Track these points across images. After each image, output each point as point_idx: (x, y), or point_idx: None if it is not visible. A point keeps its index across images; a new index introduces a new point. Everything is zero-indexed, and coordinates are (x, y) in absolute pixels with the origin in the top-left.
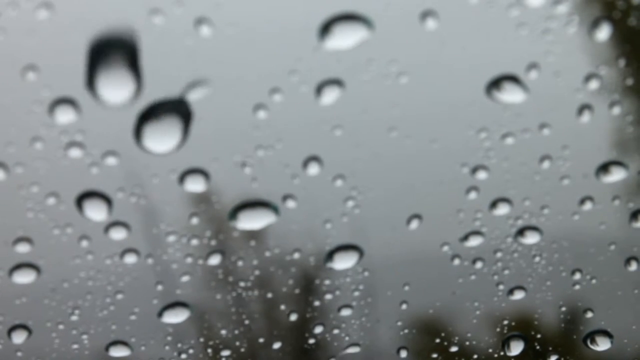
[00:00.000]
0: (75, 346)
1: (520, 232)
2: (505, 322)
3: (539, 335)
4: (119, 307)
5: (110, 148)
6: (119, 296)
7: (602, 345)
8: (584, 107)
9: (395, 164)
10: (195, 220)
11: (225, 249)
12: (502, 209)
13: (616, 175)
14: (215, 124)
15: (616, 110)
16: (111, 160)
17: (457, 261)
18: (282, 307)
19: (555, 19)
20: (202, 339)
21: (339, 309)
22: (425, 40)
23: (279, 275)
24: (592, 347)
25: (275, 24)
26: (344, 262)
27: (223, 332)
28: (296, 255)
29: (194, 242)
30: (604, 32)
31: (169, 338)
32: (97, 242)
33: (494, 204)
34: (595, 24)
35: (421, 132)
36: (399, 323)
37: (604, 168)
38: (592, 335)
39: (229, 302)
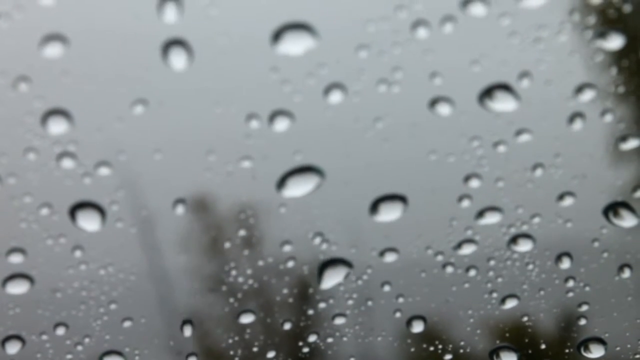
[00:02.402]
0: (69, 356)
1: (513, 240)
2: (499, 330)
3: (532, 343)
4: (112, 317)
5: (102, 158)
6: (113, 306)
7: (596, 352)
8: (575, 115)
9: (388, 173)
10: (189, 230)
11: (219, 258)
12: (495, 217)
13: (609, 182)
14: (208, 133)
15: (608, 117)
16: (104, 171)
17: (450, 269)
18: (276, 315)
19: (546, 28)
20: (196, 348)
21: (333, 318)
22: (417, 49)
23: (272, 284)
24: (585, 354)
25: (265, 34)
26: (333, 277)
27: (217, 341)
28: (290, 264)
29: (188, 250)
30: (595, 40)
31: (163, 347)
32: (90, 252)
33: (486, 212)
34: (586, 32)
35: (414, 141)
36: (393, 331)
37: (597, 176)
38: (585, 343)
39: (223, 311)
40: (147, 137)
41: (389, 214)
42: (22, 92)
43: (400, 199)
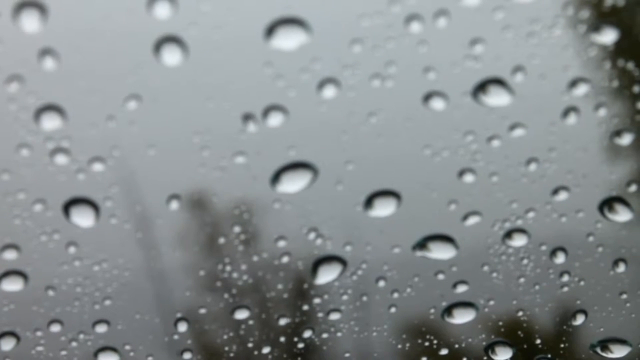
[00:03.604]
0: (63, 353)
1: (508, 234)
2: (494, 325)
3: (527, 338)
4: (106, 314)
5: (96, 154)
6: (107, 302)
7: None
8: (569, 109)
9: (382, 168)
10: (183, 226)
11: (213, 254)
12: (489, 212)
13: (604, 177)
14: (201, 129)
15: (602, 112)
16: (98, 167)
17: (444, 264)
18: (271, 311)
19: (540, 22)
20: (190, 344)
21: (328, 313)
22: (411, 44)
23: (267, 280)
24: None
25: (258, 29)
26: (328, 273)
27: (212, 336)
28: (284, 260)
29: (182, 246)
30: (589, 34)
31: (158, 343)
32: (84, 249)
33: (480, 207)
34: (580, 26)
35: (408, 136)
36: (388, 326)
37: (592, 171)
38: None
39: (218, 307)
40: (140, 133)
41: (384, 209)
42: (15, 88)
43: (395, 194)
